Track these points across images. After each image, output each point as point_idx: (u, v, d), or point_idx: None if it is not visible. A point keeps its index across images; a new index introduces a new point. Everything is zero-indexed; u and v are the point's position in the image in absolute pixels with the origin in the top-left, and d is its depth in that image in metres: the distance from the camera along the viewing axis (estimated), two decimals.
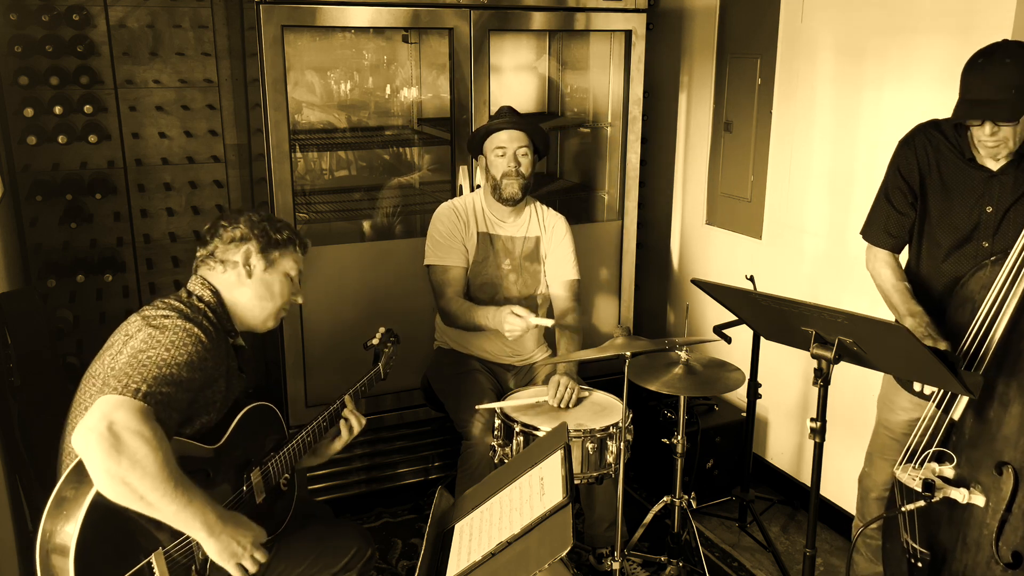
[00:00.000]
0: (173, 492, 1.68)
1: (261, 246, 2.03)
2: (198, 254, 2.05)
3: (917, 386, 2.22)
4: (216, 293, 2.01)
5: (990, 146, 2.09)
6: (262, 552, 1.87)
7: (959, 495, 2.05)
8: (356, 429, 2.27)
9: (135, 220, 3.40)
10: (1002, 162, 2.14)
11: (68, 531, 1.64)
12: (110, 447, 1.61)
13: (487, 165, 2.89)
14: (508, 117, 2.86)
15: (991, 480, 2.05)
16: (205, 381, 1.87)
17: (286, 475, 2.11)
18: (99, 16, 3.21)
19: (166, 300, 1.94)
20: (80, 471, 1.66)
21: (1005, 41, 2.04)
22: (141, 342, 1.79)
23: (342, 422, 2.26)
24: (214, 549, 1.78)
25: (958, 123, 2.14)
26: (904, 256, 2.43)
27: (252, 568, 1.85)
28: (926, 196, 2.28)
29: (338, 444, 2.28)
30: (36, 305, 2.31)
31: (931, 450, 2.13)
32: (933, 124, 2.28)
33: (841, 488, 3.15)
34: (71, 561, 1.63)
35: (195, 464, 1.82)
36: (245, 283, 2.03)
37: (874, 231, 2.39)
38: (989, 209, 2.17)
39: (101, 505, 1.66)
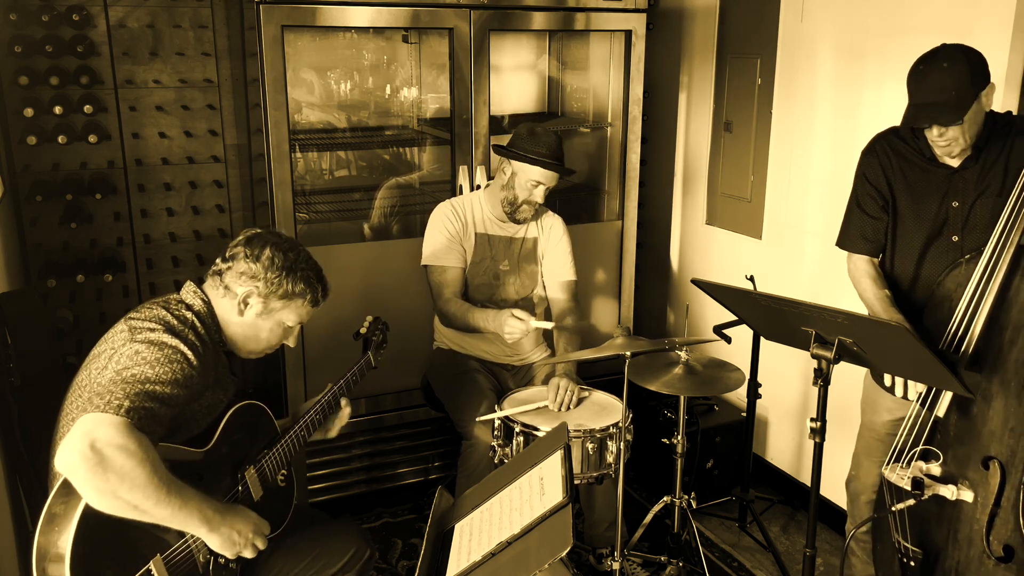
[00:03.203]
0: (167, 497, 1.67)
1: (265, 292, 1.96)
2: (213, 266, 2.01)
3: (888, 380, 2.25)
4: (208, 304, 1.98)
5: (942, 146, 2.16)
6: (262, 539, 1.91)
7: (948, 492, 2.07)
8: (340, 424, 2.27)
9: (135, 220, 3.40)
10: (962, 158, 2.20)
11: (62, 544, 1.63)
12: (95, 465, 1.59)
13: (512, 178, 2.84)
14: (556, 157, 2.81)
15: (978, 475, 2.06)
16: (190, 397, 1.85)
17: (283, 471, 2.11)
18: (99, 16, 3.21)
19: (154, 307, 1.90)
20: (69, 485, 1.65)
21: (944, 45, 2.11)
22: (127, 358, 1.76)
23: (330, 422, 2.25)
24: (215, 543, 1.81)
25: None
26: None
27: (250, 555, 1.89)
28: (895, 199, 2.34)
29: (331, 433, 2.28)
30: (36, 305, 2.31)
31: (917, 448, 2.15)
32: (892, 131, 2.35)
33: (841, 488, 3.14)
34: (67, 570, 1.62)
35: (185, 468, 1.81)
36: (237, 317, 1.99)
37: (851, 238, 2.43)
38: (955, 204, 2.22)
39: (93, 516, 1.65)
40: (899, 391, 2.22)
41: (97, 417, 1.64)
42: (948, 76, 2.05)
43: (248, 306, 1.97)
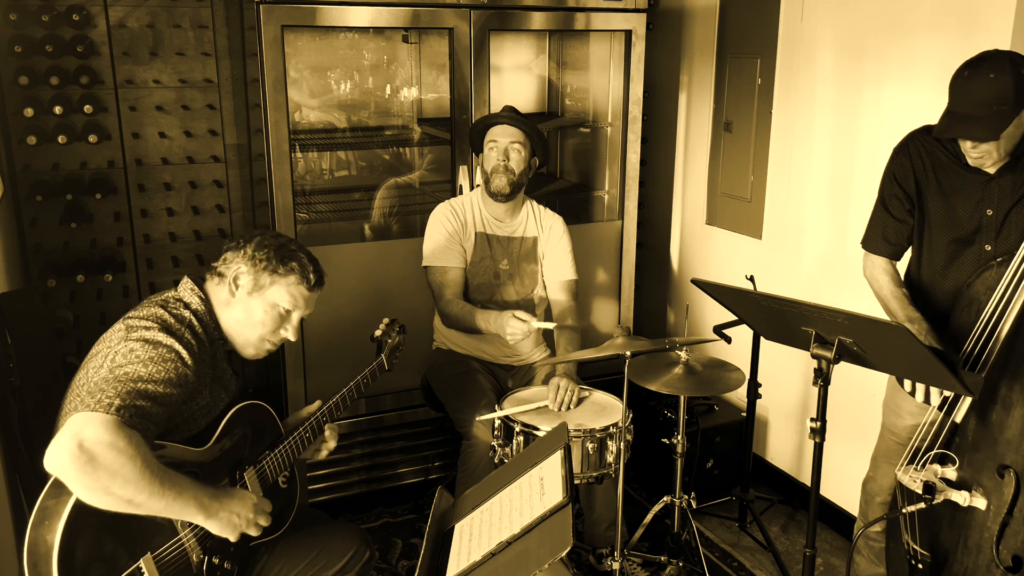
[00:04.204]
0: (160, 489, 1.67)
1: (254, 268, 1.97)
2: (210, 268, 2.03)
3: (908, 385, 2.21)
4: (207, 302, 1.98)
5: (975, 157, 2.10)
6: (264, 517, 1.92)
7: (960, 498, 2.04)
8: (325, 452, 2.26)
9: (135, 220, 3.40)
10: (998, 166, 2.13)
11: (50, 539, 1.63)
12: (84, 464, 1.59)
13: (482, 160, 2.91)
14: (505, 114, 2.87)
15: (993, 483, 2.04)
16: (186, 396, 1.85)
17: (285, 473, 2.11)
18: (99, 16, 3.21)
19: (152, 306, 1.91)
20: (61, 481, 1.65)
21: (994, 52, 2.02)
22: (121, 356, 1.77)
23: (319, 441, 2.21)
24: (216, 527, 1.81)
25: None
26: (903, 264, 2.42)
27: (255, 533, 1.90)
28: (924, 202, 2.27)
29: (320, 455, 2.26)
30: (36, 305, 2.31)
31: (933, 452, 2.13)
32: (927, 129, 2.26)
33: (841, 488, 3.15)
34: (54, 565, 1.62)
35: (183, 468, 1.80)
36: (231, 302, 1.98)
37: (873, 239, 2.38)
38: (990, 212, 2.16)
39: (83, 511, 1.65)
40: (920, 396, 2.16)
41: (86, 416, 1.64)
42: (991, 89, 1.95)
43: (239, 286, 1.97)
